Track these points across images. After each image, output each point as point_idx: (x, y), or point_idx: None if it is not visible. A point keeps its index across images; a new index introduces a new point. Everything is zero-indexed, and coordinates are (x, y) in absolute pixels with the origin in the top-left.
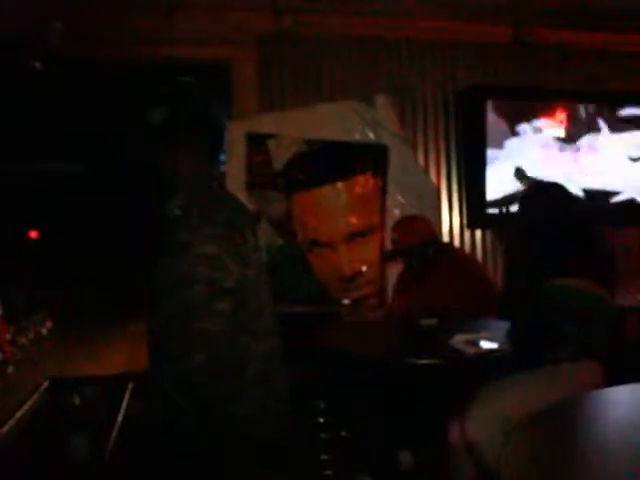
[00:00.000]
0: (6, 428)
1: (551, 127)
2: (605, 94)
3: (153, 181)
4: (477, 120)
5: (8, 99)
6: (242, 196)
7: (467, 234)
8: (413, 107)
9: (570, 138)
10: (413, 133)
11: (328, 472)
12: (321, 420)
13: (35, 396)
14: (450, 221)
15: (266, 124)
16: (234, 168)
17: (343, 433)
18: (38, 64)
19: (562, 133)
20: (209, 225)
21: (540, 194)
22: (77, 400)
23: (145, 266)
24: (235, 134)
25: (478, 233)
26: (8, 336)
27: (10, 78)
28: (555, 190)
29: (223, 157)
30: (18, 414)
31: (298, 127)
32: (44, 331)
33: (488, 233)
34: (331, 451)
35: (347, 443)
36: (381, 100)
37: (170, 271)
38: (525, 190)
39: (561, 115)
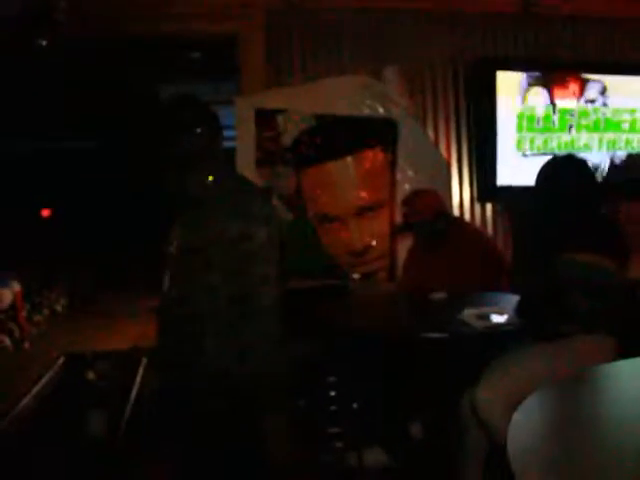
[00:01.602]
0: (23, 403)
1: (563, 99)
2: (619, 64)
3: (163, 156)
4: (487, 92)
5: (15, 77)
6: (252, 172)
7: (477, 208)
8: (422, 80)
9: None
10: (423, 106)
11: (339, 444)
12: (332, 393)
13: (51, 372)
14: (460, 195)
15: (275, 99)
16: (243, 144)
17: (354, 406)
18: (43, 41)
19: (574, 105)
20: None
21: (554, 167)
22: (92, 375)
23: (158, 241)
24: (244, 110)
25: (489, 207)
26: (24, 313)
27: (16, 56)
28: (569, 163)
29: (232, 133)
30: (34, 389)
31: (307, 102)
32: (58, 307)
33: (498, 207)
34: (342, 424)
35: (358, 416)
36: (390, 73)
37: (227, 229)
38: (546, 163)
39: (574, 86)
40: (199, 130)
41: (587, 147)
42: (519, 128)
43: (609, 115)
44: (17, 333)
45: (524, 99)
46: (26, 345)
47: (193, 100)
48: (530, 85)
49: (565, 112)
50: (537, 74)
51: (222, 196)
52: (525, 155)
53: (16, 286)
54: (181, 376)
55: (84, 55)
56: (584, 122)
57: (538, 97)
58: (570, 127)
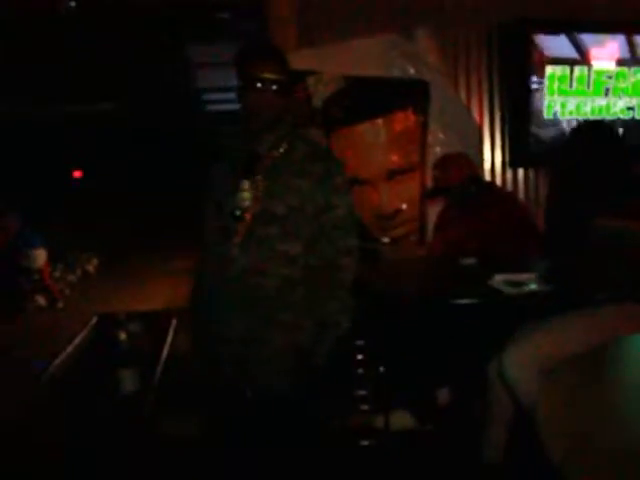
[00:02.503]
0: (57, 362)
1: (602, 61)
2: None
3: (190, 117)
4: (521, 54)
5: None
6: None
7: (509, 172)
8: (455, 40)
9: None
10: (455, 68)
11: (365, 407)
12: (359, 357)
13: (84, 332)
14: (492, 159)
15: (304, 60)
16: None
17: (381, 369)
18: (71, 3)
19: (613, 67)
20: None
21: (586, 133)
22: (123, 335)
23: (190, 202)
24: None
25: (520, 171)
26: (57, 273)
27: (46, 18)
28: (601, 128)
29: None
30: (69, 348)
31: (337, 63)
32: (90, 268)
33: (531, 172)
34: (368, 387)
35: (385, 379)
36: (421, 33)
37: (311, 198)
38: (577, 127)
39: (612, 48)
40: (275, 87)
41: (624, 112)
42: (550, 91)
43: None
44: (51, 293)
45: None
46: (60, 305)
47: (274, 53)
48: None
49: (601, 74)
50: (573, 35)
51: (302, 162)
52: (556, 120)
53: (42, 261)
54: (241, 350)
55: (111, 18)
56: (622, 85)
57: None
58: (607, 90)
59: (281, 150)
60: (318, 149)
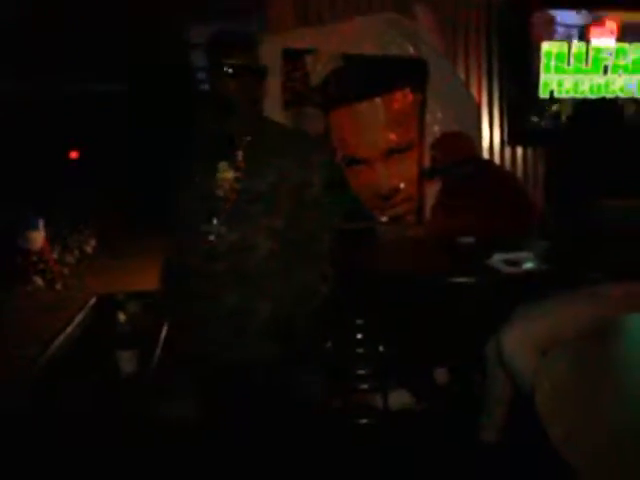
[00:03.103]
0: (56, 343)
1: (601, 37)
2: None
3: (191, 99)
4: (520, 31)
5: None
6: (279, 113)
7: (507, 151)
8: (454, 18)
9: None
10: (454, 46)
11: (364, 386)
12: (359, 336)
13: (82, 313)
14: (490, 137)
15: (302, 39)
16: (270, 84)
17: (380, 349)
18: None
19: (612, 44)
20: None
21: (588, 110)
22: (122, 316)
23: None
24: (271, 49)
25: (519, 150)
26: (55, 254)
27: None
28: (604, 106)
29: None
30: (68, 329)
31: (335, 41)
32: (89, 249)
33: (529, 150)
34: (368, 366)
35: (383, 359)
36: (420, 10)
37: (290, 176)
38: (578, 106)
39: (612, 25)
40: (243, 72)
41: (623, 91)
42: (546, 69)
43: None
44: (49, 274)
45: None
46: (58, 286)
47: (242, 39)
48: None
49: (600, 51)
50: (573, 12)
51: (278, 141)
52: (553, 98)
53: (41, 240)
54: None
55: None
56: (622, 62)
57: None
58: (605, 68)
59: (255, 131)
60: (291, 130)
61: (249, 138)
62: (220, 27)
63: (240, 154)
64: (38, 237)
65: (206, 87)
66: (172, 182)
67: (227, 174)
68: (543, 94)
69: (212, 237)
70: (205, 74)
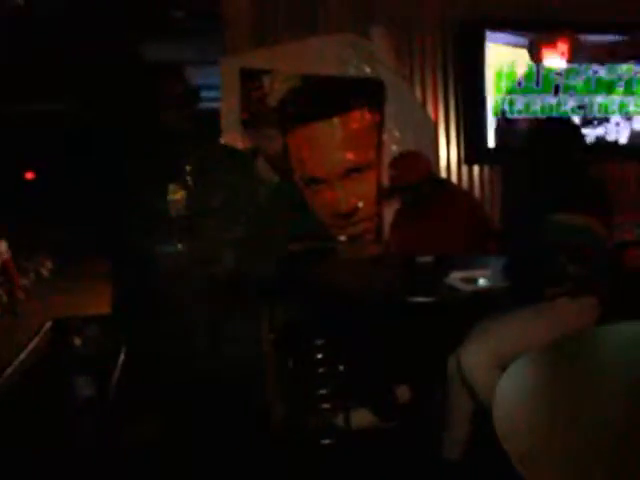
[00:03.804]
0: (10, 370)
1: (552, 59)
2: (608, 24)
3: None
4: (476, 52)
5: None
6: (238, 133)
7: (465, 169)
8: (410, 39)
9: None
10: (410, 66)
11: (326, 406)
12: (319, 356)
13: (37, 338)
14: (447, 156)
15: (260, 59)
16: (229, 105)
17: (340, 368)
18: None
19: (564, 65)
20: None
21: (543, 130)
22: (78, 341)
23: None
24: (229, 70)
25: (476, 169)
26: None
27: None
28: (558, 126)
29: (216, 94)
30: (21, 356)
31: (293, 62)
32: (44, 271)
33: (486, 169)
34: (329, 385)
35: (344, 378)
36: (378, 32)
37: (236, 189)
38: (529, 126)
39: (563, 46)
40: (177, 100)
41: (574, 111)
42: (497, 90)
43: (602, 74)
44: (4, 298)
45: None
46: (17, 310)
47: (170, 71)
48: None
49: (551, 71)
50: (526, 33)
51: (222, 158)
52: (509, 118)
53: (4, 251)
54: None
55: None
56: (572, 82)
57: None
58: (556, 88)
59: (199, 152)
60: (227, 147)
61: (195, 160)
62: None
63: (188, 175)
64: None
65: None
66: (119, 206)
67: (178, 194)
68: (493, 115)
69: (171, 257)
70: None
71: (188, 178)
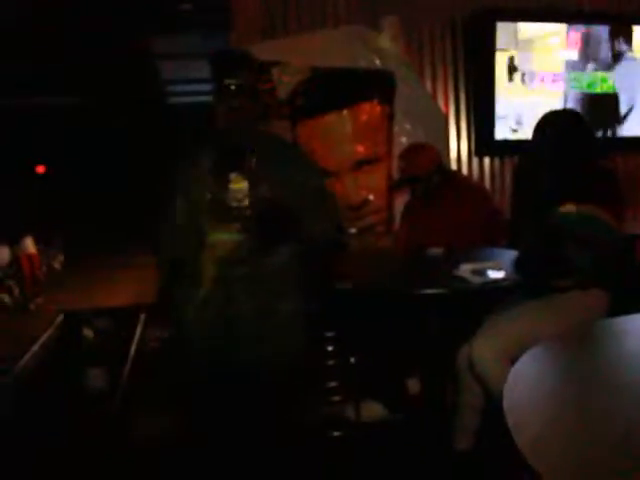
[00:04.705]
0: (22, 362)
1: (564, 49)
2: (622, 15)
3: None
4: (486, 43)
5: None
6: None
7: (475, 161)
8: (420, 30)
9: (584, 61)
10: (420, 58)
11: (336, 398)
12: (329, 348)
13: (50, 330)
14: (458, 148)
15: (269, 51)
16: None
17: (351, 360)
18: None
19: (575, 56)
20: None
21: (553, 121)
22: (89, 333)
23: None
24: None
25: (486, 160)
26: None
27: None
28: (568, 117)
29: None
30: (34, 348)
31: (302, 54)
32: (56, 265)
33: (496, 160)
34: (339, 378)
35: (355, 370)
36: (388, 23)
37: (293, 182)
38: (544, 115)
39: (575, 37)
40: (244, 92)
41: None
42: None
43: None
44: (16, 291)
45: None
46: (32, 306)
47: (243, 59)
48: None
49: None
50: (537, 24)
51: (278, 151)
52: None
53: (30, 246)
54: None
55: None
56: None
57: None
58: None
59: (259, 144)
60: (283, 139)
61: (255, 150)
62: (220, 49)
63: (250, 165)
64: (3, 253)
65: (176, 100)
66: (169, 194)
67: (240, 184)
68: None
69: (228, 245)
70: (173, 85)
71: (249, 167)
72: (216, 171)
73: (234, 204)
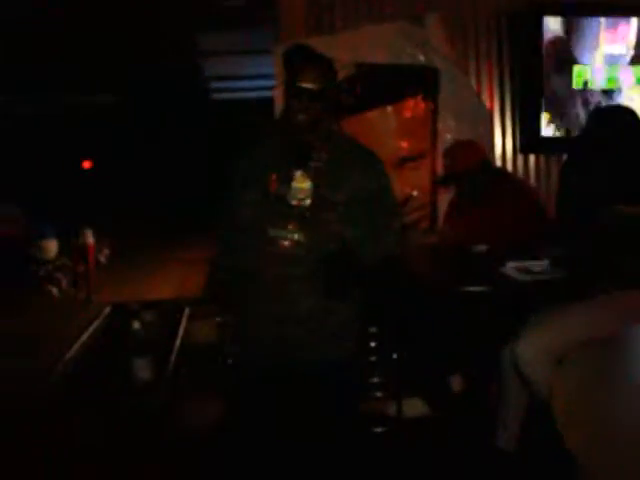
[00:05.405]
0: (71, 352)
1: (614, 44)
2: None
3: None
4: (533, 39)
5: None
6: None
7: (520, 159)
8: (465, 26)
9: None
10: (465, 54)
11: (379, 394)
12: (373, 344)
13: (97, 321)
14: (503, 146)
15: (314, 47)
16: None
17: (394, 356)
18: None
19: (625, 51)
20: None
21: (601, 117)
22: (137, 324)
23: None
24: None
25: (531, 158)
26: (70, 263)
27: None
28: (623, 113)
29: (271, 83)
30: (82, 338)
31: (347, 50)
32: (102, 258)
33: (541, 158)
34: (382, 374)
35: (398, 366)
36: (432, 20)
37: (364, 185)
38: (594, 112)
39: (625, 31)
40: (313, 95)
41: None
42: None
43: None
44: (64, 283)
45: None
46: (80, 295)
47: (316, 61)
48: None
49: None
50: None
51: (348, 154)
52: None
53: (90, 238)
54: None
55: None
56: None
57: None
58: None
59: (329, 145)
60: (355, 142)
61: (325, 151)
62: (294, 46)
63: (317, 165)
64: (52, 246)
65: (220, 96)
66: (230, 185)
67: (304, 184)
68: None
69: (286, 242)
70: (219, 82)
71: (316, 167)
72: (279, 167)
73: (294, 202)
